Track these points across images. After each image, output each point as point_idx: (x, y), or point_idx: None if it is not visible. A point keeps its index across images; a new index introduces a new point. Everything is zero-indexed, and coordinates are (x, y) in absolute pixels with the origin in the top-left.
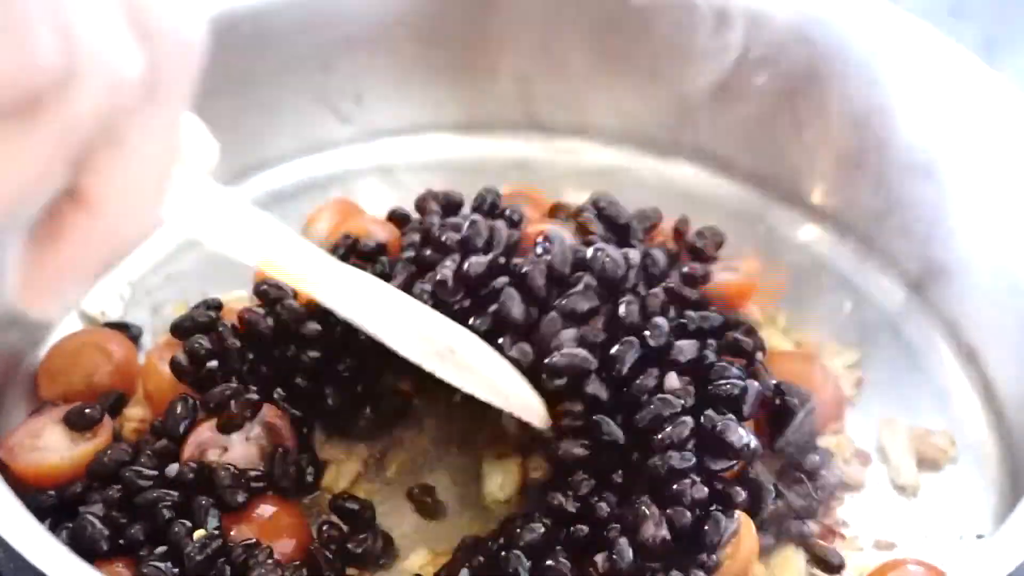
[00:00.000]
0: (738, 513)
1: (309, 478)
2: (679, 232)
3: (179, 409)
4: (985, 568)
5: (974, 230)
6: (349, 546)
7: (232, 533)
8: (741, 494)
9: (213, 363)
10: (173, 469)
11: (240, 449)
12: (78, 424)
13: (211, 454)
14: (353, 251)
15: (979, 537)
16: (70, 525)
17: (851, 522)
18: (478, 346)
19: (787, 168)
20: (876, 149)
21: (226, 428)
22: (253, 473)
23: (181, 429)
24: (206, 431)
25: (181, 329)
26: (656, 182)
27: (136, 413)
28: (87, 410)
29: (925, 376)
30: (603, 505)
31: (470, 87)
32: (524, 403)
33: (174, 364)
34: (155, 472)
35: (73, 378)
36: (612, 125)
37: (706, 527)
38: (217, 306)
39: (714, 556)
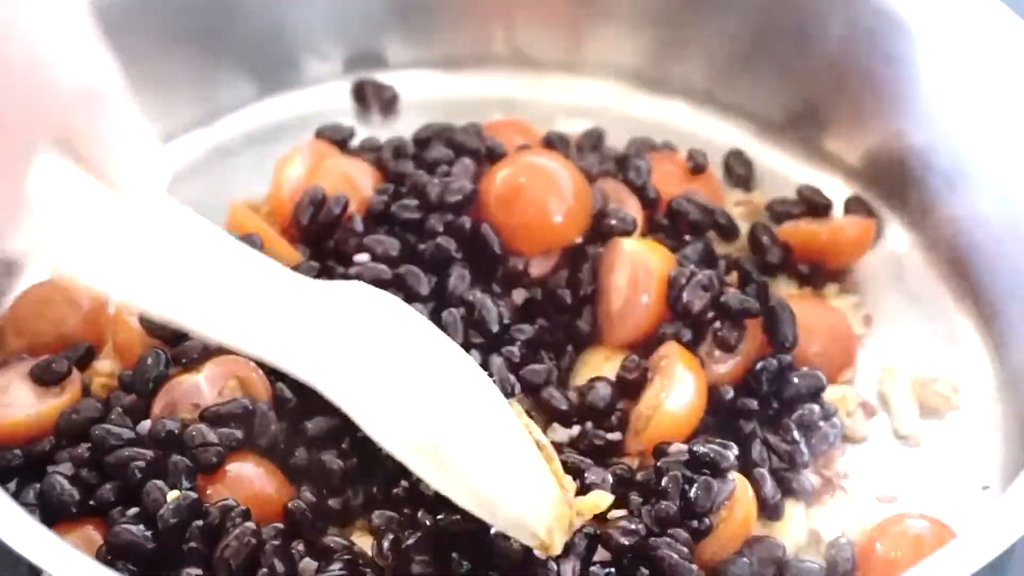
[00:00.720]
0: (733, 474)
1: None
2: (699, 167)
3: (149, 362)
4: (995, 525)
5: (981, 171)
6: (330, 503)
7: (208, 493)
8: (729, 457)
9: None
10: (145, 426)
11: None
12: (45, 378)
13: (183, 408)
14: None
15: (984, 489)
16: (37, 485)
17: (852, 474)
18: (474, 440)
19: (781, 103)
20: (885, 94)
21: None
22: (226, 431)
23: (151, 384)
24: (178, 386)
25: None
26: (644, 118)
27: (106, 367)
28: (54, 364)
29: (928, 321)
30: None
31: (454, 23)
32: (516, 520)
33: (144, 319)
34: (126, 429)
35: (40, 329)
36: (599, 61)
37: (696, 493)
38: None
39: (706, 520)
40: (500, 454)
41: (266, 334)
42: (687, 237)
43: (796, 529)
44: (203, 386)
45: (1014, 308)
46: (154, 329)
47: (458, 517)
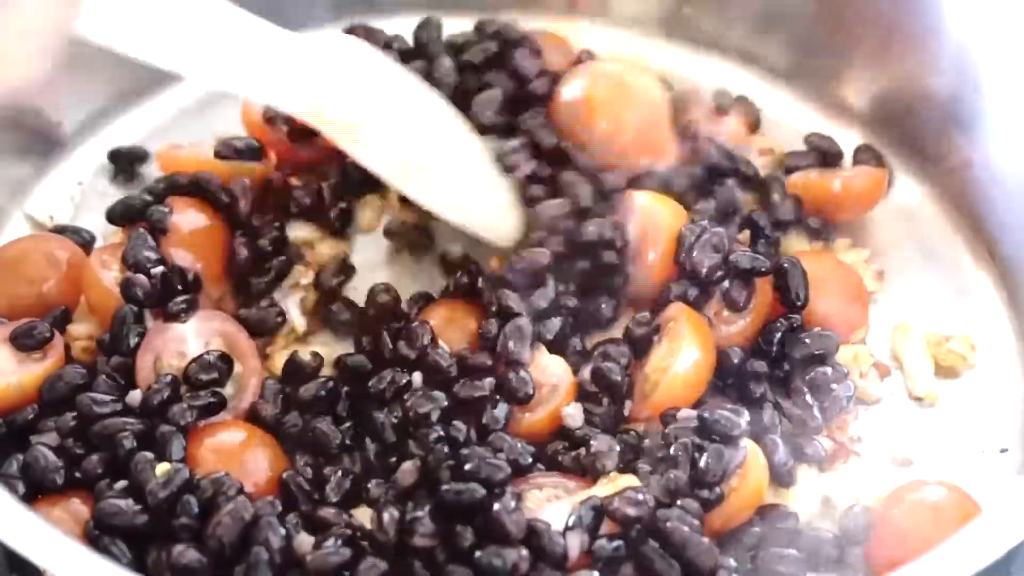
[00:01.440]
0: (744, 441)
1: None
2: (721, 110)
3: (125, 320)
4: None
5: (1001, 121)
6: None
7: (199, 465)
8: (740, 424)
9: (159, 269)
10: (135, 397)
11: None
12: (26, 343)
13: (167, 360)
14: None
15: (1003, 451)
16: (20, 456)
17: (866, 437)
18: (457, 163)
19: (791, 49)
20: (904, 38)
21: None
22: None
23: (131, 342)
24: (159, 337)
25: (115, 215)
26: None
27: (83, 330)
28: (36, 328)
29: (942, 276)
30: None
31: None
32: (487, 222)
33: (125, 289)
34: (113, 398)
35: (19, 289)
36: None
37: (706, 462)
38: (157, 191)
39: (717, 490)
40: (471, 172)
41: (271, 79)
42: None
43: (809, 496)
44: (189, 336)
45: None
46: (128, 292)
47: (462, 487)
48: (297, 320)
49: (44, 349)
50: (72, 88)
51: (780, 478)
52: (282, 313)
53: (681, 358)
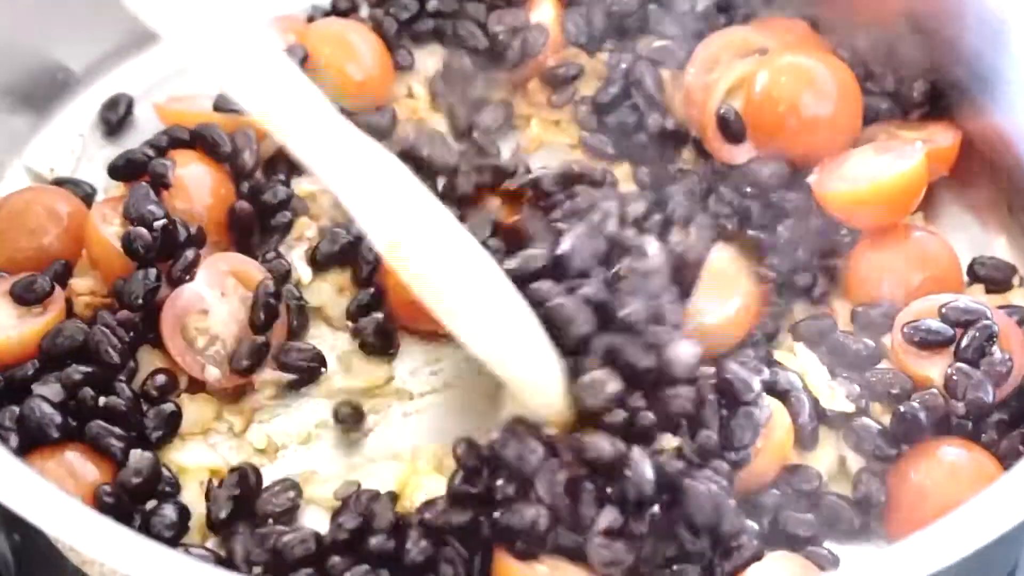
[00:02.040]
0: (768, 400)
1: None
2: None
3: (140, 277)
4: None
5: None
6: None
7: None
8: (756, 379)
9: (160, 222)
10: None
11: (223, 310)
12: (26, 297)
13: (192, 320)
14: None
15: None
16: (15, 408)
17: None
18: (431, 247)
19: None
20: None
21: None
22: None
23: (142, 298)
24: (176, 306)
25: (118, 170)
26: None
27: (85, 284)
28: (36, 282)
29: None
30: None
31: None
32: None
33: (126, 243)
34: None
35: (19, 242)
36: None
37: (737, 423)
38: (159, 145)
39: (744, 452)
40: (518, 320)
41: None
42: None
43: (826, 456)
44: (204, 292)
45: None
46: (130, 246)
47: None
48: (303, 271)
49: (44, 303)
50: (73, 37)
51: (804, 440)
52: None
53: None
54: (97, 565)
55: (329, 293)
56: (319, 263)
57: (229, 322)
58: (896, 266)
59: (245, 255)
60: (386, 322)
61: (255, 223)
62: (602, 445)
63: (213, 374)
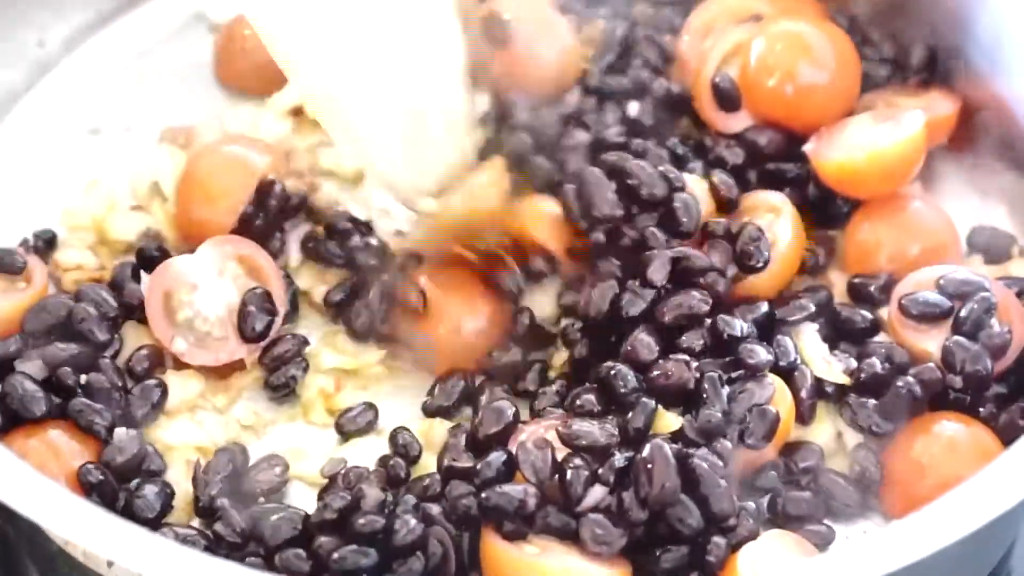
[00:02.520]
0: (771, 378)
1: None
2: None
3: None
4: None
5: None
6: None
7: None
8: (758, 353)
9: None
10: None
11: (214, 290)
12: (4, 267)
13: (180, 291)
14: None
15: None
16: None
17: None
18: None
19: None
20: None
21: None
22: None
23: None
24: (164, 274)
25: None
26: None
27: (71, 258)
28: (13, 254)
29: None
30: None
31: None
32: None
33: None
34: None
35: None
36: None
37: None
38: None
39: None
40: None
41: None
42: None
43: (824, 432)
44: (200, 267)
45: None
46: None
47: None
48: (293, 253)
49: (26, 277)
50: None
51: (803, 415)
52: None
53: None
54: (81, 546)
55: (313, 278)
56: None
57: (217, 304)
58: (893, 237)
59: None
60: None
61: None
62: (594, 433)
63: (179, 346)
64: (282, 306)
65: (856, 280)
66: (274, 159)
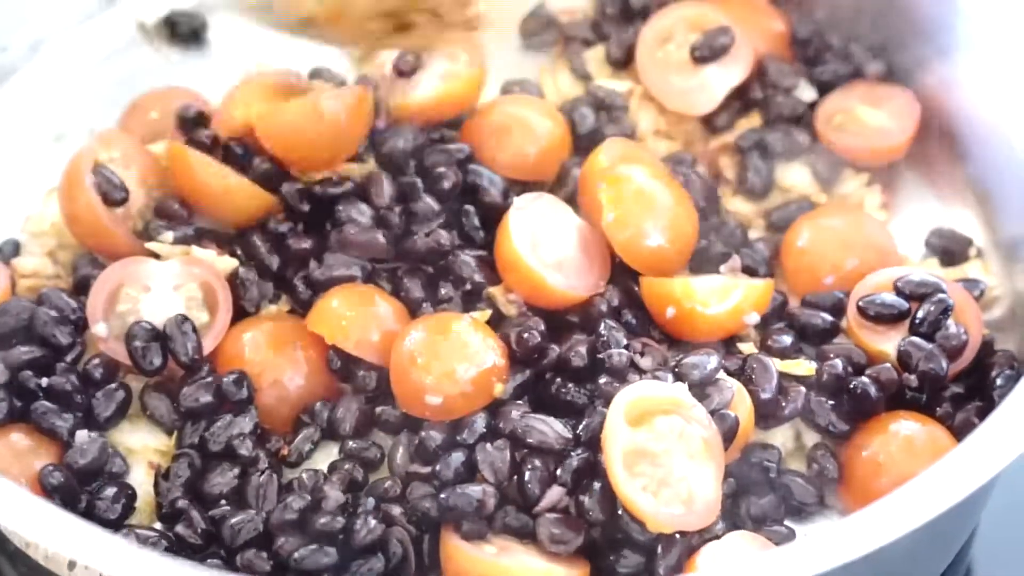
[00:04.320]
0: (730, 382)
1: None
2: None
3: None
4: (995, 436)
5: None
6: None
7: None
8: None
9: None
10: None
11: (162, 300)
12: None
13: (130, 289)
14: None
15: None
16: None
17: None
18: None
19: None
20: None
21: None
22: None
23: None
24: (125, 268)
25: None
26: None
27: (30, 264)
28: None
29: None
30: None
31: None
32: None
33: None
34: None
35: None
36: None
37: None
38: None
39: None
40: None
41: None
42: None
43: (783, 432)
44: (163, 273)
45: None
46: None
47: None
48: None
49: None
50: None
51: (765, 419)
52: None
53: None
54: (42, 548)
55: None
56: None
57: (157, 313)
58: (830, 251)
59: None
60: None
61: None
62: (546, 430)
63: (100, 331)
64: (211, 342)
65: (808, 297)
66: None
